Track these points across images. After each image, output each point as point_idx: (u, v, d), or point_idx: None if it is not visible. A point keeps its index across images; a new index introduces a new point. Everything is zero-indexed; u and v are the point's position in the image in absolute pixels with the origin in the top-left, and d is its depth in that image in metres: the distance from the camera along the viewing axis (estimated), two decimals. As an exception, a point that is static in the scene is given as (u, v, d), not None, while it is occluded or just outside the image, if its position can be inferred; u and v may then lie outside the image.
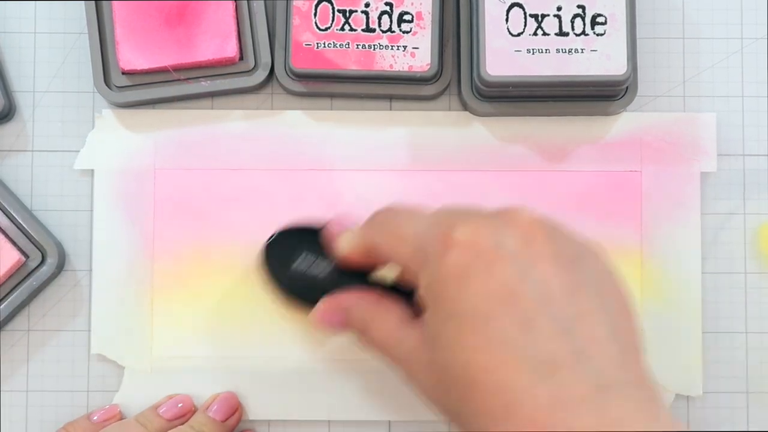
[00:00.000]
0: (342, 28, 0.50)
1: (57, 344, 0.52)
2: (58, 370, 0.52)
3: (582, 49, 0.49)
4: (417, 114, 0.53)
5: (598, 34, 0.49)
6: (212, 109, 0.53)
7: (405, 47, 0.50)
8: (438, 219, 0.41)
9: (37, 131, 0.53)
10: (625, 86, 0.50)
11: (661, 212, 0.52)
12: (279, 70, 0.52)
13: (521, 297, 0.37)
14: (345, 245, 0.46)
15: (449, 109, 0.53)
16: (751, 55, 0.53)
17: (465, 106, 0.52)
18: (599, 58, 0.49)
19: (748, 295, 0.53)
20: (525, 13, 0.49)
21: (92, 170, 0.52)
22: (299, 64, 0.50)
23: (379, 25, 0.50)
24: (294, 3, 0.50)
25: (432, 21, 0.50)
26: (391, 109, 0.53)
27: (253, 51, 0.52)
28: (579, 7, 0.49)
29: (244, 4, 0.52)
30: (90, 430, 0.49)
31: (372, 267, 0.46)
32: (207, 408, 0.50)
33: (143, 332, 0.51)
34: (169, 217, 0.52)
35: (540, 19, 0.49)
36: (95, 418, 0.50)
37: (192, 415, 0.50)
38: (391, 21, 0.50)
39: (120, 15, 0.51)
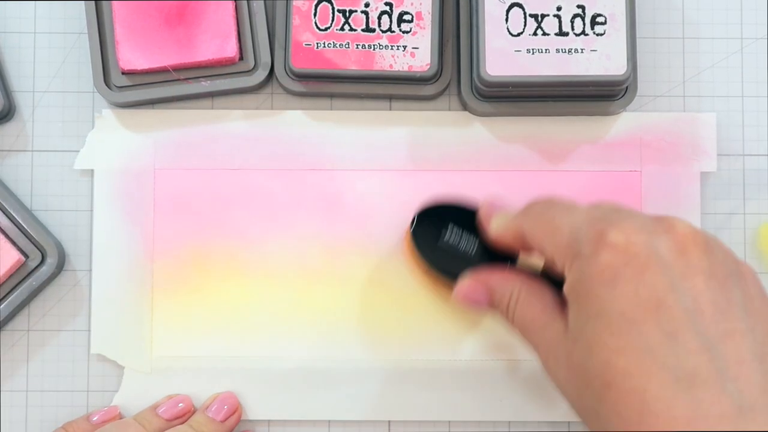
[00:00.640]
0: (342, 28, 0.50)
1: (57, 344, 0.52)
2: (58, 370, 0.52)
3: (582, 49, 0.49)
4: (417, 114, 0.53)
5: (598, 34, 0.49)
6: (212, 109, 0.53)
7: (405, 47, 0.50)
8: (594, 216, 0.41)
9: (37, 131, 0.53)
10: (625, 86, 0.50)
11: (661, 212, 0.52)
12: (279, 70, 0.52)
13: (669, 307, 0.37)
14: (498, 226, 0.46)
15: (449, 109, 0.53)
16: (751, 55, 0.53)
17: (465, 106, 0.52)
18: (599, 58, 0.49)
19: (748, 295, 0.52)
20: (525, 13, 0.49)
21: (92, 170, 0.52)
22: (299, 64, 0.50)
23: (379, 25, 0.50)
24: (294, 3, 0.50)
25: (432, 21, 0.50)
26: (391, 109, 0.53)
27: (253, 51, 0.52)
28: (579, 7, 0.49)
29: (244, 4, 0.52)
30: (89, 430, 0.49)
31: (520, 252, 0.47)
32: (206, 408, 0.50)
33: (143, 332, 0.51)
34: (169, 217, 0.52)
35: (540, 19, 0.49)
36: (95, 419, 0.50)
37: (191, 415, 0.50)
38: (390, 21, 0.50)
39: (120, 15, 0.51)
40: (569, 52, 0.49)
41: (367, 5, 0.50)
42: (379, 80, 0.51)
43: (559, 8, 0.49)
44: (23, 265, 0.51)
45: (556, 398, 0.51)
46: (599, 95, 0.51)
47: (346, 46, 0.50)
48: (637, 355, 0.36)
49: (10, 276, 0.50)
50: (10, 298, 0.50)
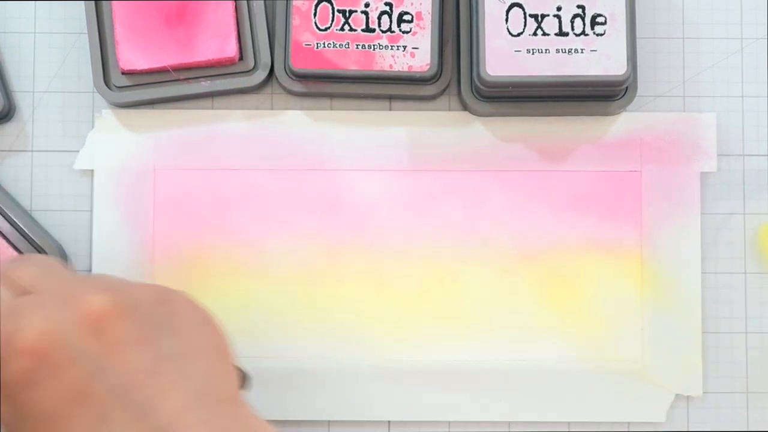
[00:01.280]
0: (342, 28, 0.50)
1: (57, 344, 0.52)
2: (58, 370, 0.52)
3: (582, 49, 0.49)
4: (417, 114, 0.53)
5: (597, 34, 0.49)
6: (212, 109, 0.53)
7: (405, 47, 0.50)
8: (8, 307, 0.38)
9: (37, 131, 0.53)
10: (624, 86, 0.50)
11: (661, 212, 0.52)
12: (279, 70, 0.52)
13: (94, 394, 0.36)
14: None
15: (449, 109, 0.53)
16: (751, 55, 0.53)
17: (465, 106, 0.52)
18: (599, 58, 0.49)
19: (748, 295, 0.53)
20: (525, 13, 0.49)
21: (92, 170, 0.52)
22: (299, 64, 0.50)
23: (379, 25, 0.50)
24: (294, 3, 0.50)
25: (432, 21, 0.50)
26: (390, 109, 0.53)
27: (253, 51, 0.52)
28: (579, 7, 0.49)
29: (244, 4, 0.52)
30: None
31: None
32: None
33: (143, 332, 0.51)
34: (169, 217, 0.52)
35: (540, 19, 0.49)
36: None
37: None
38: (390, 21, 0.50)
39: (120, 15, 0.51)
40: (569, 52, 0.49)
41: (367, 5, 0.50)
42: (379, 80, 0.51)
43: (559, 8, 0.49)
44: (23, 265, 0.51)
45: (556, 398, 0.51)
46: (599, 95, 0.51)
47: (346, 46, 0.50)
48: None
49: (10, 276, 0.50)
50: (10, 299, 0.50)
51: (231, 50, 0.51)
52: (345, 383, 0.51)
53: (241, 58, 0.52)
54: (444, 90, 0.52)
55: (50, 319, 0.37)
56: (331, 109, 0.53)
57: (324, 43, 0.50)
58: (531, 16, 0.49)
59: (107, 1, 0.51)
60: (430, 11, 0.50)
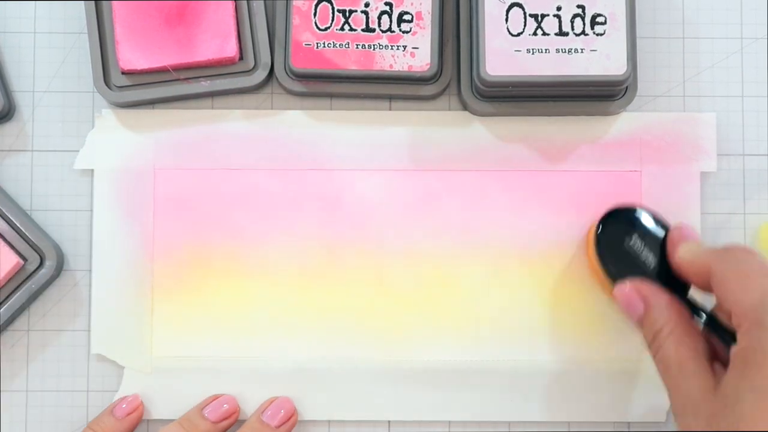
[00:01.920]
0: (342, 28, 0.50)
1: (57, 344, 0.52)
2: (58, 370, 0.52)
3: (582, 49, 0.49)
4: (417, 114, 0.53)
5: (597, 34, 0.49)
6: (212, 109, 0.53)
7: (405, 47, 0.50)
8: None
9: (37, 131, 0.53)
10: (624, 86, 0.50)
11: (661, 212, 0.52)
12: (279, 70, 0.52)
13: None
14: (687, 254, 0.46)
15: (449, 109, 0.53)
16: (751, 55, 0.53)
17: (465, 106, 0.52)
18: (599, 58, 0.49)
19: (748, 295, 0.52)
20: (525, 13, 0.49)
21: (92, 170, 0.52)
22: (299, 64, 0.50)
23: (379, 25, 0.50)
24: (294, 3, 0.50)
25: (432, 21, 0.50)
26: (390, 109, 0.53)
27: (253, 51, 0.52)
28: (579, 7, 0.49)
29: (244, 4, 0.52)
30: (116, 428, 0.49)
31: (692, 286, 0.46)
32: (262, 412, 0.50)
33: (143, 332, 0.51)
34: (169, 217, 0.52)
35: (540, 19, 0.49)
36: (122, 409, 0.50)
37: (237, 415, 0.50)
38: (390, 21, 0.50)
39: (120, 15, 0.51)
40: (569, 52, 0.49)
41: (367, 5, 0.50)
42: (379, 80, 0.51)
43: (559, 8, 0.49)
44: (22, 268, 0.51)
45: (556, 398, 0.51)
46: (599, 95, 0.51)
47: (346, 46, 0.50)
48: None
49: (9, 280, 0.50)
50: (9, 302, 0.50)
51: (231, 50, 0.51)
52: (345, 383, 0.51)
53: (241, 58, 0.52)
54: (444, 90, 0.52)
55: None
56: (331, 109, 0.53)
57: (324, 43, 0.50)
58: (531, 15, 0.49)
59: (107, 1, 0.51)
60: (430, 11, 0.50)
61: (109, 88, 0.51)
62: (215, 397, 0.51)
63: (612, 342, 0.52)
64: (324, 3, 0.50)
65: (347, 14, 0.50)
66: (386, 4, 0.50)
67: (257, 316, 0.52)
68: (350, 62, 0.50)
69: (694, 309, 0.46)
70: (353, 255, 0.52)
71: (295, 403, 0.51)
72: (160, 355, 0.51)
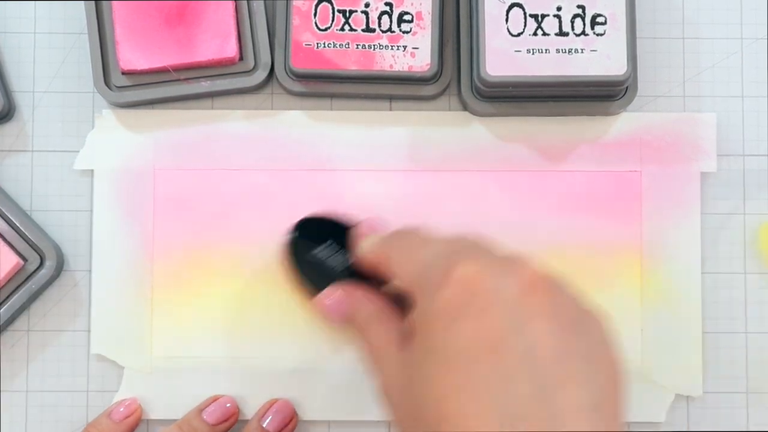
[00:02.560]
0: (342, 28, 0.50)
1: (57, 344, 0.52)
2: (58, 370, 0.52)
3: (582, 49, 0.49)
4: (417, 114, 0.53)
5: (598, 34, 0.49)
6: (212, 109, 0.53)
7: (405, 47, 0.50)
8: (446, 250, 0.41)
9: (37, 131, 0.53)
10: (625, 86, 0.50)
11: (661, 212, 0.52)
12: (279, 70, 0.52)
13: (508, 349, 0.36)
14: (364, 247, 0.47)
15: (449, 109, 0.53)
16: (751, 55, 0.53)
17: (465, 106, 0.52)
18: (599, 58, 0.49)
19: (748, 295, 0.53)
20: (525, 13, 0.49)
21: (92, 170, 0.52)
22: (299, 64, 0.50)
23: (379, 25, 0.50)
24: (294, 3, 0.50)
25: (432, 21, 0.50)
26: (391, 109, 0.53)
27: (253, 51, 0.52)
28: (579, 7, 0.49)
29: (244, 4, 0.52)
30: (114, 430, 0.49)
31: (382, 277, 0.46)
32: (262, 417, 0.50)
33: (143, 332, 0.51)
34: (169, 217, 0.52)
35: (540, 19, 0.49)
36: (119, 413, 0.50)
37: (237, 417, 0.50)
38: (391, 21, 0.50)
39: (120, 15, 0.51)
40: (569, 52, 0.49)
41: (367, 5, 0.50)
42: (379, 80, 0.51)
43: (559, 8, 0.49)
44: (22, 268, 0.51)
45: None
46: (599, 95, 0.51)
47: (346, 46, 0.50)
48: (471, 394, 0.36)
49: (9, 280, 0.50)
50: (9, 302, 0.50)
51: (231, 50, 0.51)
52: (345, 383, 0.51)
53: (241, 58, 0.52)
54: (444, 90, 0.52)
55: (487, 266, 0.38)
56: (331, 109, 0.53)
57: (324, 43, 0.50)
58: (531, 16, 0.49)
59: (107, 1, 0.51)
60: (430, 11, 0.50)
61: (109, 88, 0.51)
62: (215, 398, 0.51)
63: (612, 342, 0.52)
64: (324, 3, 0.50)
65: (347, 14, 0.50)
66: (386, 4, 0.50)
67: (257, 317, 0.52)
68: (350, 62, 0.50)
69: (392, 299, 0.46)
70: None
71: (294, 404, 0.51)
72: (160, 355, 0.51)
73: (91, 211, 0.52)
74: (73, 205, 0.52)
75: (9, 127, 0.53)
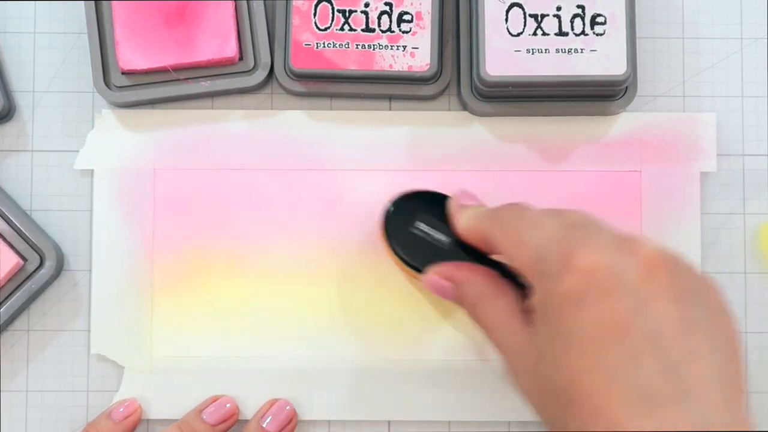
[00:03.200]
0: (342, 28, 0.50)
1: (57, 344, 0.52)
2: (58, 370, 0.52)
3: (582, 49, 0.49)
4: (417, 114, 0.53)
5: (597, 34, 0.49)
6: (212, 109, 0.53)
7: (404, 47, 0.50)
8: (561, 235, 0.41)
9: (37, 131, 0.53)
10: (624, 86, 0.50)
11: (661, 212, 0.52)
12: (279, 70, 0.52)
13: (633, 330, 0.37)
14: (464, 222, 0.47)
15: (449, 109, 0.53)
16: (751, 55, 0.53)
17: (465, 106, 0.52)
18: (599, 58, 0.49)
19: (748, 295, 0.53)
20: (525, 13, 0.49)
21: (92, 170, 0.52)
22: (299, 64, 0.50)
23: (379, 25, 0.50)
24: (294, 3, 0.50)
25: (432, 21, 0.50)
26: (390, 109, 0.53)
27: (253, 51, 0.52)
28: (578, 7, 0.49)
29: (244, 4, 0.52)
30: (113, 430, 0.49)
31: (486, 252, 0.46)
32: (261, 417, 0.50)
33: (143, 332, 0.51)
34: (169, 217, 0.52)
35: (540, 19, 0.49)
36: (119, 413, 0.50)
37: (236, 417, 0.50)
38: (390, 21, 0.50)
39: (120, 15, 0.51)
40: (569, 52, 0.49)
41: (366, 5, 0.50)
42: (378, 80, 0.51)
43: (558, 8, 0.49)
44: (22, 268, 0.51)
45: (556, 398, 0.51)
46: (599, 95, 0.51)
47: (346, 46, 0.50)
48: (601, 375, 0.37)
49: (9, 280, 0.50)
50: (9, 302, 0.50)
51: (231, 50, 0.51)
52: (345, 383, 0.51)
53: (241, 58, 0.52)
54: (444, 90, 0.52)
55: (605, 250, 0.39)
56: (331, 109, 0.53)
57: (324, 43, 0.50)
58: (531, 16, 0.49)
59: (107, 1, 0.51)
60: (430, 11, 0.50)
61: (109, 88, 0.51)
62: (214, 399, 0.51)
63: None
64: (324, 3, 0.50)
65: (347, 14, 0.50)
66: (386, 4, 0.50)
67: (257, 316, 0.52)
68: (350, 62, 0.50)
69: (499, 268, 0.46)
70: (353, 255, 0.52)
71: (294, 404, 0.51)
72: (160, 355, 0.51)
73: (91, 211, 0.52)
74: (73, 205, 0.52)
75: (9, 127, 0.53)
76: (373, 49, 0.50)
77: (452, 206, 0.48)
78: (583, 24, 0.49)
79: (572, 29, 0.49)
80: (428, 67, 0.50)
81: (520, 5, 0.49)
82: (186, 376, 0.51)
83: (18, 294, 0.50)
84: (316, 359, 0.51)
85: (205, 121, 0.52)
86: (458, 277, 0.46)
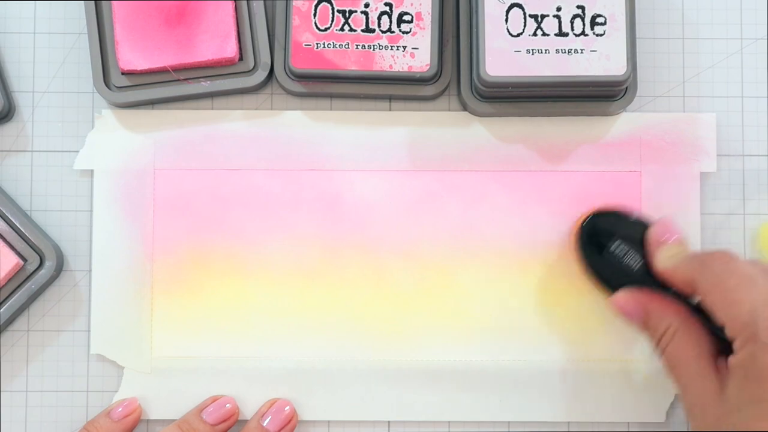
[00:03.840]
0: (342, 29, 0.50)
1: (57, 344, 0.52)
2: (58, 370, 0.52)
3: (582, 50, 0.49)
4: (417, 114, 0.53)
5: (597, 35, 0.49)
6: (212, 109, 0.53)
7: (405, 47, 0.50)
8: None
9: (37, 131, 0.53)
10: (624, 86, 0.50)
11: (661, 212, 0.52)
12: (279, 71, 0.52)
13: None
14: (668, 263, 0.47)
15: (449, 110, 0.53)
16: (751, 55, 0.53)
17: (465, 107, 0.52)
18: (599, 59, 0.49)
19: (748, 295, 0.52)
20: (524, 14, 0.49)
21: (92, 170, 0.52)
22: (299, 65, 0.50)
23: (379, 26, 0.50)
24: (294, 3, 0.50)
25: (432, 21, 0.50)
26: (390, 110, 0.53)
27: (253, 51, 0.52)
28: (578, 7, 0.49)
29: (244, 4, 0.52)
30: (113, 430, 0.49)
31: (683, 294, 0.46)
32: (261, 416, 0.50)
33: (143, 332, 0.51)
34: (169, 217, 0.52)
35: (540, 19, 0.49)
36: (117, 412, 0.50)
37: (236, 417, 0.50)
38: (390, 21, 0.50)
39: (120, 15, 0.51)
40: (569, 52, 0.49)
41: (366, 5, 0.50)
42: (378, 80, 0.51)
43: (558, 8, 0.49)
44: (22, 268, 0.51)
45: (556, 398, 0.51)
46: (599, 95, 0.51)
47: (346, 46, 0.50)
48: None
49: (9, 280, 0.50)
50: (9, 302, 0.50)
51: (231, 50, 0.51)
52: (345, 383, 0.51)
53: (241, 58, 0.52)
54: (444, 90, 0.52)
55: None
56: (331, 109, 0.53)
57: (324, 44, 0.50)
58: (531, 16, 0.49)
59: (107, 1, 0.51)
60: (429, 11, 0.50)
61: (109, 88, 0.51)
62: (214, 399, 0.51)
63: (612, 342, 0.52)
64: (324, 3, 0.50)
65: (347, 15, 0.50)
66: (386, 4, 0.50)
67: (257, 316, 0.52)
68: (350, 63, 0.50)
69: (692, 307, 0.46)
70: (353, 255, 0.52)
71: (294, 404, 0.51)
72: (159, 355, 0.51)
73: (91, 211, 0.52)
74: (73, 205, 0.52)
75: (9, 127, 0.53)
76: (373, 50, 0.50)
77: (652, 240, 0.48)
78: (583, 24, 0.49)
79: (572, 30, 0.49)
80: (428, 67, 0.50)
81: (520, 5, 0.49)
82: (186, 376, 0.51)
83: (18, 294, 0.50)
84: (316, 359, 0.51)
85: (205, 121, 0.52)
86: (651, 307, 0.46)
